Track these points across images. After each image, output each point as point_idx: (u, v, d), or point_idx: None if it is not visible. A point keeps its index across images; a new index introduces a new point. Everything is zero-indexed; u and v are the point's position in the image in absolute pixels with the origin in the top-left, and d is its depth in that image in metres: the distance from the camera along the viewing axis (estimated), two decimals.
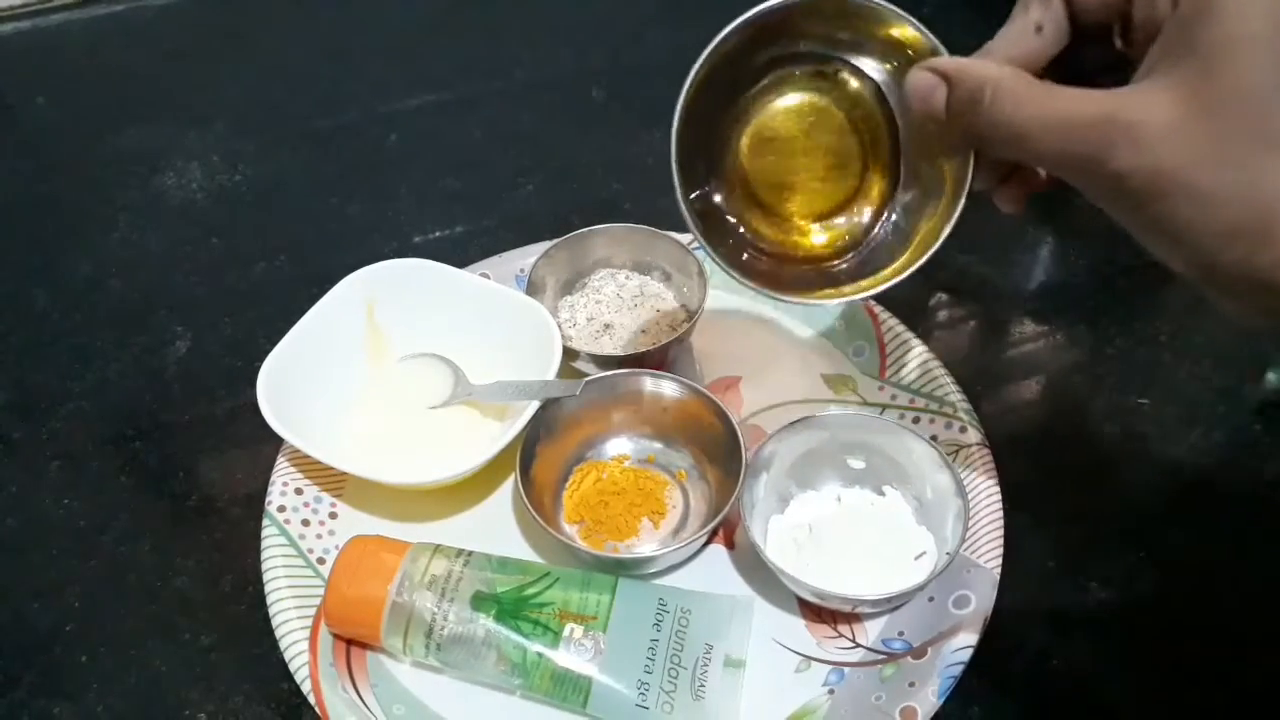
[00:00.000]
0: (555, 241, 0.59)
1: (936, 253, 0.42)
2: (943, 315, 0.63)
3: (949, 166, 0.41)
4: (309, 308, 0.54)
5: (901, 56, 0.40)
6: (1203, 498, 0.52)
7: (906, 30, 0.39)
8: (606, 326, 0.58)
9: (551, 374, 0.51)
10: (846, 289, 0.44)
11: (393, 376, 0.57)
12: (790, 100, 0.44)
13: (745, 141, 0.44)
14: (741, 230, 0.45)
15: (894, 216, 0.45)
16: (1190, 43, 0.29)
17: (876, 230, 0.45)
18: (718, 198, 0.45)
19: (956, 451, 0.51)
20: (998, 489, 0.49)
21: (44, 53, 0.90)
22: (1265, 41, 0.28)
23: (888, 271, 0.43)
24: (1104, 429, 0.55)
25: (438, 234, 0.69)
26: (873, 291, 0.43)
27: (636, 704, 0.43)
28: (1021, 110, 0.32)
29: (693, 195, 0.43)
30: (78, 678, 0.48)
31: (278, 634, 0.46)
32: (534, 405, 0.51)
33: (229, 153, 0.77)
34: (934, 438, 0.51)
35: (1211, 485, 0.52)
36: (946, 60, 0.36)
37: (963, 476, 0.49)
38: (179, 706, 0.47)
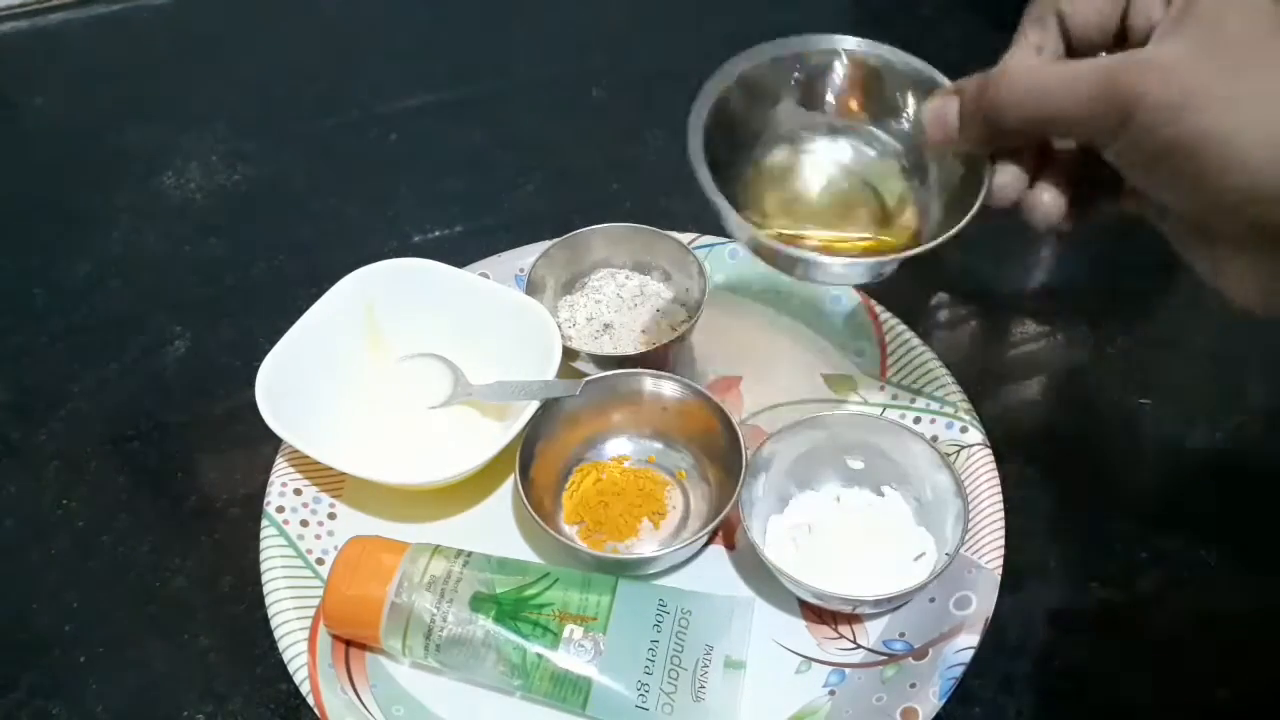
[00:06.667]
0: (555, 241, 0.59)
1: (943, 247, 0.40)
2: (943, 315, 0.63)
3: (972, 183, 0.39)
4: (308, 308, 0.54)
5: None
6: (1203, 497, 0.52)
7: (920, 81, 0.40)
8: (606, 326, 0.58)
9: (551, 374, 0.51)
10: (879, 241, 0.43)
11: (392, 376, 0.57)
12: (806, 157, 0.44)
13: (760, 175, 0.44)
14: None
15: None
16: (1189, 12, 0.31)
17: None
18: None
19: (957, 451, 0.51)
20: (998, 489, 0.49)
21: (44, 53, 0.89)
22: (1253, 4, 0.31)
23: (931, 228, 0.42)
24: (1104, 429, 0.55)
25: (438, 234, 0.69)
26: (913, 251, 0.40)
27: (636, 705, 0.43)
28: (1036, 76, 0.33)
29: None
30: (76, 678, 0.48)
31: (276, 635, 0.46)
32: (534, 405, 0.51)
33: (228, 153, 0.76)
34: (934, 438, 0.51)
35: (1212, 485, 0.52)
36: (952, 83, 0.36)
37: (963, 476, 0.49)
38: (178, 707, 0.47)
